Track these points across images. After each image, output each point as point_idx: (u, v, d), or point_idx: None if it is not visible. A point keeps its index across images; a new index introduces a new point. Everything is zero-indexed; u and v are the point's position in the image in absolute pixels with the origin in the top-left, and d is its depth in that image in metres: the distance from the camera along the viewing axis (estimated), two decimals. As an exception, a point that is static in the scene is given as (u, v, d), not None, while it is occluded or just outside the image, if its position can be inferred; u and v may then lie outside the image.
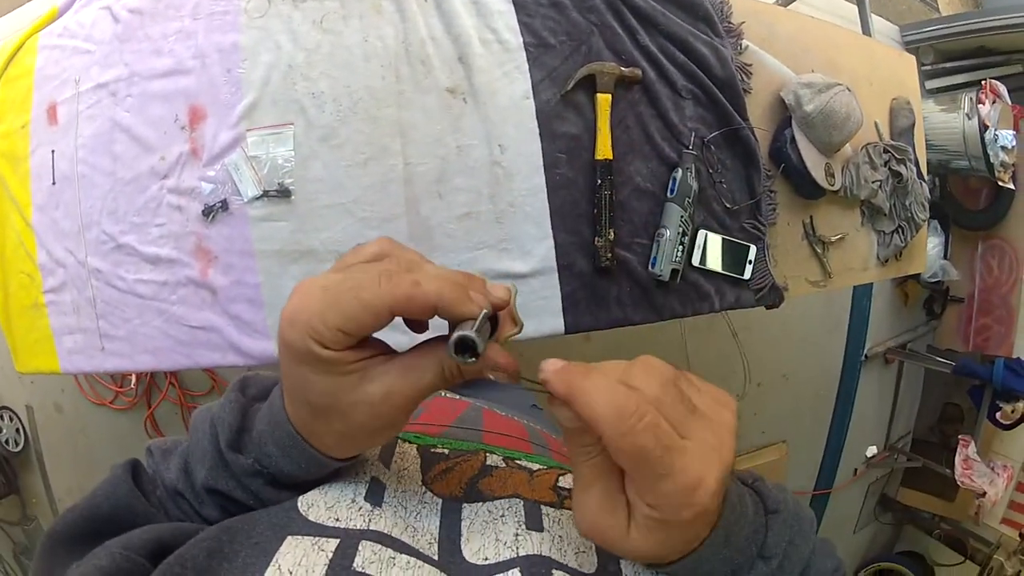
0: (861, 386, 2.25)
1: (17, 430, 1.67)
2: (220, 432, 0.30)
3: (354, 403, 0.26)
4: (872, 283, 2.14)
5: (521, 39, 0.79)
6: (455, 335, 0.24)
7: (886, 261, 1.11)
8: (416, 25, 0.78)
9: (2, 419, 1.64)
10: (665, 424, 0.23)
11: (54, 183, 0.86)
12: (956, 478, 1.95)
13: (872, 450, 2.32)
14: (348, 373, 0.26)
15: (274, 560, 0.24)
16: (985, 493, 1.91)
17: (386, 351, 0.27)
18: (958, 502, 2.15)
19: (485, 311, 0.25)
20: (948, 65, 2.12)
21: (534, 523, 0.31)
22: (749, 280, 0.88)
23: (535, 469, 0.39)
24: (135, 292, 0.81)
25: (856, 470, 2.32)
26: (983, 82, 1.87)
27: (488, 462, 0.38)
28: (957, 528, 2.18)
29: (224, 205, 0.78)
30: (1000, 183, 1.91)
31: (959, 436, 2.04)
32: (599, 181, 0.79)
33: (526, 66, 0.79)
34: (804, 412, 2.21)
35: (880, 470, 2.37)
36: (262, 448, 0.30)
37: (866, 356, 2.24)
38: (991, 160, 1.84)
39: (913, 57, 1.21)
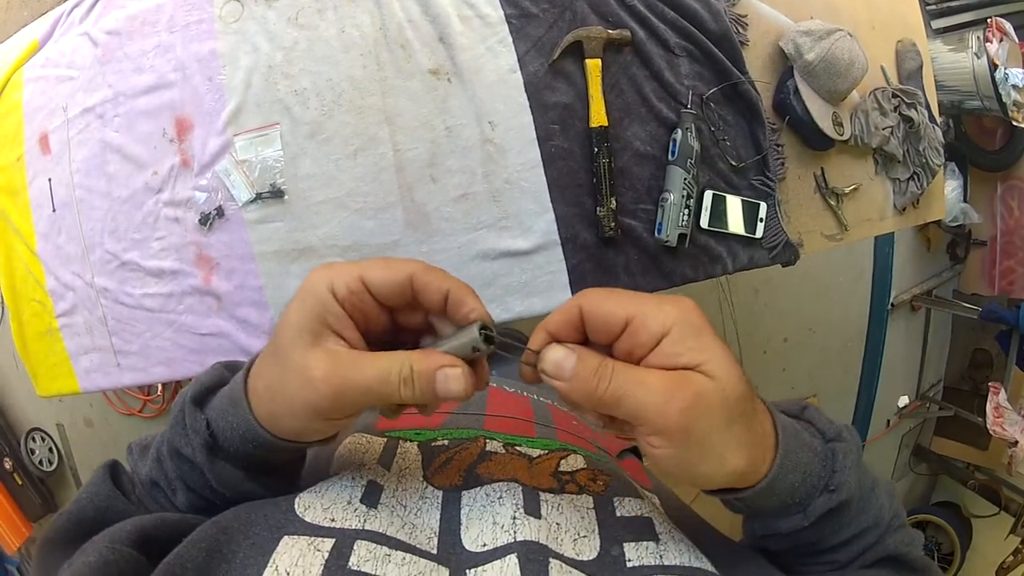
0: (889, 335, 2.21)
1: (50, 449, 1.72)
2: (191, 387, 0.31)
3: (294, 359, 0.26)
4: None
5: (501, 11, 0.76)
6: (478, 324, 0.27)
7: (903, 209, 1.07)
8: (392, 9, 0.76)
9: (34, 440, 1.68)
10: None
11: (54, 210, 0.87)
12: (988, 427, 1.91)
13: (904, 400, 2.28)
14: (314, 333, 0.26)
15: (271, 561, 0.24)
16: (1017, 442, 1.87)
17: None
18: (991, 450, 2.11)
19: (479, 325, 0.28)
20: (953, 4, 2.03)
21: (532, 509, 0.31)
22: (761, 239, 0.85)
23: (535, 456, 0.38)
24: (143, 306, 0.81)
25: (889, 421, 2.28)
26: (989, 20, 1.80)
27: (487, 448, 0.38)
28: (991, 477, 2.14)
29: (220, 212, 0.77)
30: (1014, 123, 1.84)
31: (989, 383, 1.99)
32: (595, 149, 0.76)
33: (509, 39, 0.76)
34: (833, 365, 2.18)
35: (913, 420, 2.33)
36: (218, 404, 0.30)
37: (892, 304, 2.19)
38: (1003, 100, 1.77)
39: (915, -4, 1.16)
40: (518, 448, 0.39)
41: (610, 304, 0.26)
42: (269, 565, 0.24)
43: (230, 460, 0.30)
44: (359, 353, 0.27)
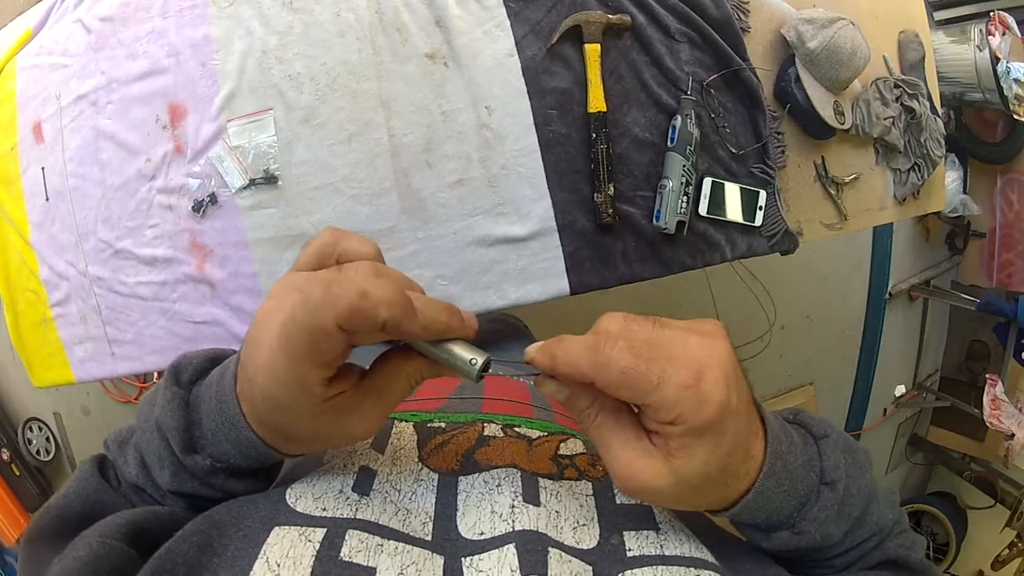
0: (887, 324, 2.21)
1: (47, 439, 1.71)
2: (170, 438, 0.29)
3: (334, 435, 0.27)
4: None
5: (499, -6, 0.75)
6: (481, 360, 0.27)
7: (903, 200, 1.06)
8: (389, -8, 0.75)
9: (31, 430, 1.68)
10: (639, 340, 0.25)
11: (47, 199, 0.86)
12: (984, 419, 1.91)
13: (900, 389, 2.28)
14: (323, 413, 0.26)
15: (262, 552, 0.24)
16: (1013, 435, 1.87)
17: (358, 374, 0.28)
18: (988, 442, 2.12)
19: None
20: (955, -5, 2.01)
21: (531, 496, 0.30)
22: (761, 227, 0.85)
23: (535, 437, 0.38)
24: (137, 295, 0.81)
25: (885, 410, 2.29)
26: (991, 13, 1.79)
27: (486, 432, 0.37)
28: (988, 469, 2.15)
29: (213, 199, 0.77)
30: (1015, 116, 1.83)
31: (986, 375, 1.99)
32: (594, 135, 0.75)
33: (507, 23, 0.75)
34: (830, 353, 2.18)
35: (909, 409, 2.34)
36: (216, 446, 0.29)
37: (890, 294, 2.19)
38: (1005, 93, 1.77)
39: (917, -13, 1.14)
40: (517, 429, 0.38)
41: (624, 392, 0.25)
42: (260, 557, 0.23)
43: (252, 475, 0.31)
44: (374, 388, 0.28)
